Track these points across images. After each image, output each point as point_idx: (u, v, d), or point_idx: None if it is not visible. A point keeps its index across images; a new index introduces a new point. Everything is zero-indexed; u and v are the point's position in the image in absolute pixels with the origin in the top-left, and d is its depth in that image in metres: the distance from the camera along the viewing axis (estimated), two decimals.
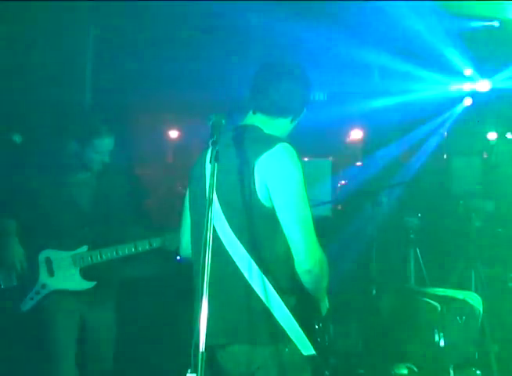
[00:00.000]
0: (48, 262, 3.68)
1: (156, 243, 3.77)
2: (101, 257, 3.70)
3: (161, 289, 5.04)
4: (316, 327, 2.53)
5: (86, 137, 3.71)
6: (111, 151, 3.78)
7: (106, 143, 3.75)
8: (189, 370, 1.92)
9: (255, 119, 2.61)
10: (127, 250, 3.74)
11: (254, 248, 2.41)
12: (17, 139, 4.69)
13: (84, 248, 3.71)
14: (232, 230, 2.42)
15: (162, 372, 4.29)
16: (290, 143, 2.47)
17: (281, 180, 2.39)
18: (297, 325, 2.41)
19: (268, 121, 2.60)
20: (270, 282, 2.40)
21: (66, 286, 3.70)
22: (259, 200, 2.40)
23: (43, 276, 3.67)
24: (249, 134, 2.52)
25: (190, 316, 2.48)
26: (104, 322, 3.86)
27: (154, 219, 4.02)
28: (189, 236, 2.71)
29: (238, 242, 2.42)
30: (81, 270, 3.70)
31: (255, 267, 2.40)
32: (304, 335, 2.41)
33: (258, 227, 2.42)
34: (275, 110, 2.59)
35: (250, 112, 2.63)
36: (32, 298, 3.66)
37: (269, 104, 2.58)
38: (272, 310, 2.40)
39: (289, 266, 2.42)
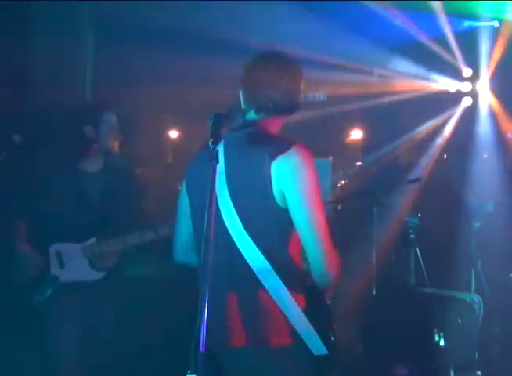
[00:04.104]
0: (59, 254, 3.75)
1: (162, 231, 3.80)
2: (109, 247, 3.76)
3: (162, 289, 5.03)
4: (331, 325, 2.53)
5: (97, 116, 3.84)
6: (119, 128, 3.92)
7: (114, 117, 3.91)
8: (188, 372, 1.92)
9: (258, 117, 2.60)
10: (134, 239, 3.79)
11: (268, 249, 2.40)
12: (18, 139, 4.69)
13: (93, 240, 3.77)
14: (247, 231, 2.41)
15: (162, 372, 4.29)
16: (304, 145, 2.47)
17: (295, 184, 2.39)
18: (309, 324, 2.40)
19: (270, 120, 2.59)
20: (284, 282, 2.39)
21: (76, 277, 3.76)
22: (275, 203, 2.40)
23: (54, 269, 3.75)
24: (257, 135, 2.51)
25: (191, 316, 2.47)
26: (105, 318, 3.88)
27: (154, 219, 4.03)
28: (184, 241, 2.70)
29: (252, 243, 2.41)
30: (90, 261, 3.76)
31: (269, 268, 2.39)
32: (316, 335, 2.41)
33: (274, 229, 2.42)
34: (280, 110, 2.58)
35: (252, 110, 2.60)
36: (44, 291, 3.70)
37: (273, 105, 2.56)
38: (284, 310, 2.39)
39: (303, 267, 2.44)
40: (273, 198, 2.39)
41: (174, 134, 8.26)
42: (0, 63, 4.71)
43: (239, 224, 2.41)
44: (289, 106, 2.61)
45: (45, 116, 4.98)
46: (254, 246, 2.40)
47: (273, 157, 2.39)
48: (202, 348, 1.94)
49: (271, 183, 2.39)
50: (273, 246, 2.42)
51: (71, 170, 3.86)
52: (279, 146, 2.43)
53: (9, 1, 4.76)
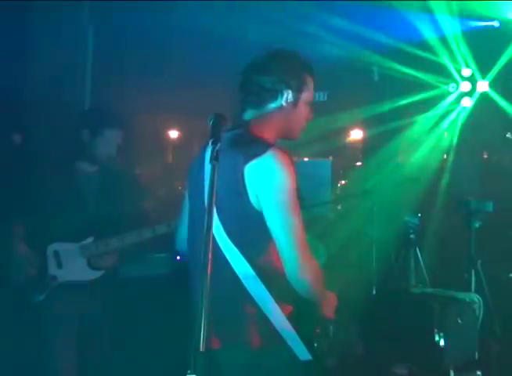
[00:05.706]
0: (56, 254, 3.73)
1: (160, 229, 3.78)
2: (107, 246, 3.75)
3: (161, 289, 5.04)
4: (314, 331, 2.51)
5: (99, 126, 3.78)
6: (119, 145, 3.85)
7: (116, 135, 3.84)
8: (188, 371, 1.92)
9: (247, 117, 2.59)
10: (132, 238, 3.77)
11: (250, 252, 2.40)
12: (17, 138, 4.70)
13: (91, 239, 3.76)
14: (227, 234, 2.41)
15: (162, 372, 4.29)
16: (280, 148, 2.43)
17: (268, 189, 2.36)
18: (293, 330, 2.39)
19: (259, 120, 2.57)
20: (266, 286, 2.38)
21: (74, 277, 3.74)
22: (252, 206, 2.39)
23: (52, 269, 3.73)
24: (240, 136, 2.49)
25: (190, 315, 2.48)
26: (103, 317, 3.88)
27: (152, 219, 4.03)
28: (185, 233, 2.70)
29: (233, 246, 2.40)
30: (88, 260, 3.75)
31: (251, 271, 2.38)
32: (300, 340, 2.40)
33: (252, 231, 2.41)
34: (253, 100, 2.57)
35: (245, 110, 2.61)
36: (42, 292, 3.70)
37: (246, 96, 2.58)
38: (268, 314, 2.38)
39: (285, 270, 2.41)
40: (249, 202, 2.38)
41: (174, 134, 8.29)
42: (0, 63, 4.71)
43: (221, 226, 2.40)
44: (260, 96, 2.55)
45: (44, 115, 4.99)
46: (235, 249, 2.39)
47: (247, 160, 2.37)
48: (202, 348, 1.94)
49: (245, 187, 2.37)
50: (255, 249, 2.40)
51: (69, 169, 3.85)
52: (253, 149, 2.40)
53: (9, 2, 4.76)
